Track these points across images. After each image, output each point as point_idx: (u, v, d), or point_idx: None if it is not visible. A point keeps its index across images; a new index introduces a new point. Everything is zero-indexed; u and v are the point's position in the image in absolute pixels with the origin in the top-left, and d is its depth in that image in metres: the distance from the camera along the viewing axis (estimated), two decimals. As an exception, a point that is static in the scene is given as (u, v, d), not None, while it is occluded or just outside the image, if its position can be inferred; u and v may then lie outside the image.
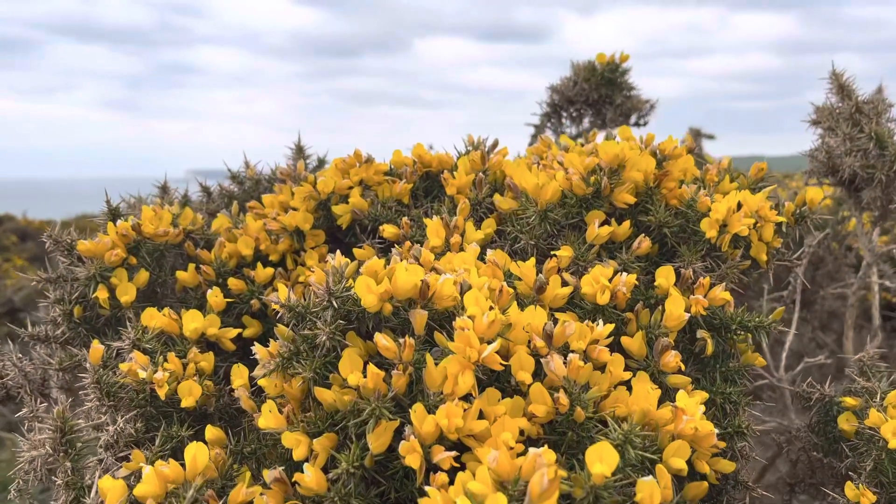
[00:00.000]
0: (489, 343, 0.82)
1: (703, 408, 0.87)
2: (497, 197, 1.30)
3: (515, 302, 1.00)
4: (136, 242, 1.28)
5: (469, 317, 0.85)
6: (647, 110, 2.33)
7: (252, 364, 1.00)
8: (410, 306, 0.91)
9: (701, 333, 1.09)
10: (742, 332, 1.11)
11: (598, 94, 2.16)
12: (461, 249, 1.13)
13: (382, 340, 0.84)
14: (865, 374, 1.23)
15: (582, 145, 1.57)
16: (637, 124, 2.39)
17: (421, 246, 1.19)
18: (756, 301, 2.06)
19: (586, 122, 2.30)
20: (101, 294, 1.19)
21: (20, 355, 1.28)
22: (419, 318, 0.89)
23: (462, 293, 0.94)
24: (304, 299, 0.95)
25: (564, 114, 2.29)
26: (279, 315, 0.96)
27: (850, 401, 1.15)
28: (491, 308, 0.88)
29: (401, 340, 0.84)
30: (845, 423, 1.15)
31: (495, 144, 1.65)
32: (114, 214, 1.36)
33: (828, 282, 2.27)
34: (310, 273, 1.29)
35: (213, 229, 1.45)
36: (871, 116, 1.68)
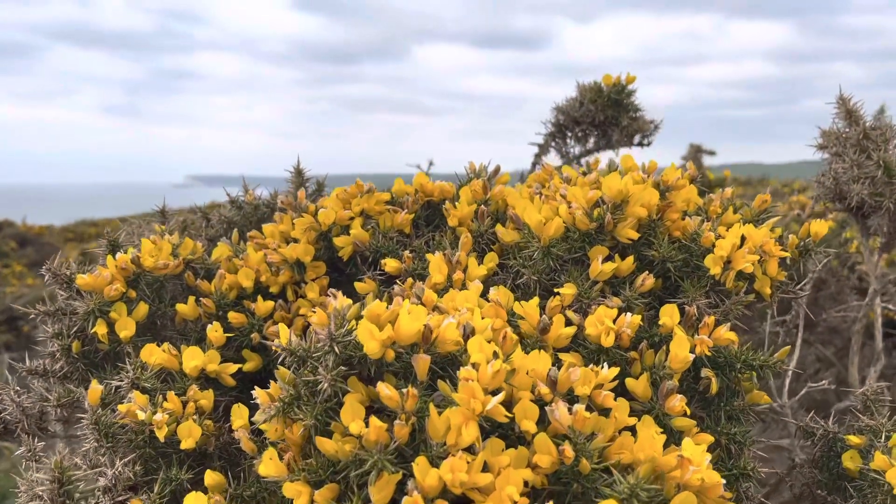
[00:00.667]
0: (493, 394, 0.81)
1: (709, 456, 0.86)
2: (499, 228, 1.29)
3: (519, 344, 1.00)
4: (135, 275, 1.27)
5: (473, 365, 0.84)
6: (652, 131, 2.33)
7: (252, 399, 0.99)
8: (413, 350, 0.91)
9: (705, 372, 1.08)
10: (747, 371, 1.10)
11: (605, 115, 2.15)
12: (464, 285, 1.12)
13: (385, 390, 0.83)
14: (869, 410, 1.22)
15: (584, 173, 1.56)
16: (641, 144, 2.39)
17: (423, 281, 1.19)
18: (759, 325, 2.06)
19: (591, 142, 2.30)
20: (100, 329, 1.18)
21: (18, 388, 1.27)
22: (422, 363, 0.88)
23: (465, 336, 0.93)
24: (305, 340, 0.94)
25: (569, 134, 2.29)
26: (280, 357, 0.95)
27: (854, 439, 1.14)
28: (495, 355, 0.87)
29: (403, 391, 0.83)
30: (849, 461, 1.14)
31: (497, 171, 1.64)
32: (113, 246, 1.35)
33: (830, 304, 2.26)
34: (311, 310, 1.29)
35: (213, 258, 1.44)
36: (879, 143, 1.68)
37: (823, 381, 1.84)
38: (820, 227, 1.30)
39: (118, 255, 1.26)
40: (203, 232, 1.72)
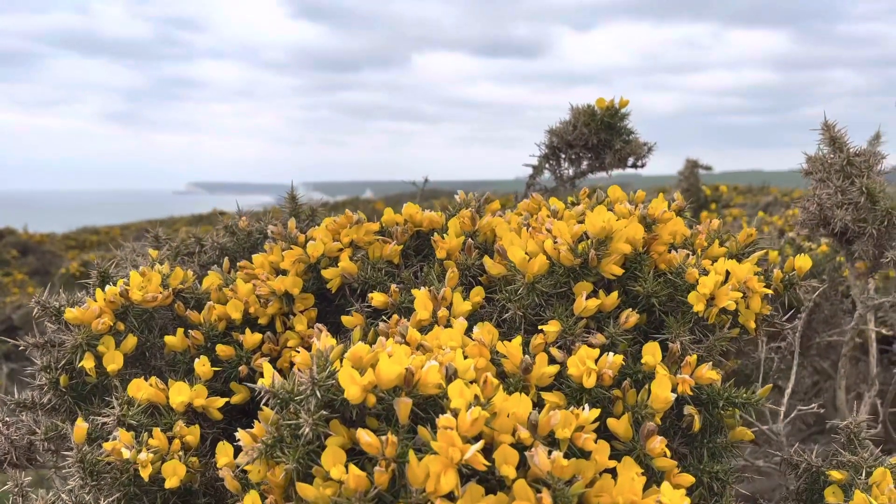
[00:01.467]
0: (473, 441, 0.82)
1: (687, 501, 0.86)
2: (487, 260, 1.30)
3: (501, 385, 1.01)
4: (124, 308, 1.28)
5: (453, 411, 0.85)
6: (645, 153, 2.34)
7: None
8: (395, 393, 0.91)
9: (688, 409, 1.09)
10: (729, 408, 1.11)
11: (598, 138, 2.17)
12: (449, 323, 1.12)
13: (365, 437, 0.83)
14: (853, 444, 1.23)
15: (573, 202, 1.57)
16: (635, 166, 2.40)
17: (409, 315, 1.20)
18: (754, 350, 2.06)
19: (585, 164, 2.31)
20: (88, 363, 1.19)
21: (7, 419, 1.28)
22: (403, 407, 0.88)
23: (448, 377, 0.94)
24: (289, 380, 0.95)
25: (563, 156, 2.30)
26: (265, 398, 0.95)
27: (836, 474, 1.15)
28: (476, 398, 0.88)
29: (384, 438, 0.83)
30: (832, 496, 1.14)
31: (487, 199, 1.65)
32: (103, 277, 1.36)
33: (823, 327, 2.27)
34: (299, 343, 1.29)
35: (203, 287, 1.45)
36: (862, 170, 1.69)
37: (814, 405, 1.84)
38: (804, 262, 1.31)
39: (107, 287, 1.27)
40: (196, 258, 1.73)
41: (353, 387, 0.87)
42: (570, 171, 2.37)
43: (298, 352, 1.00)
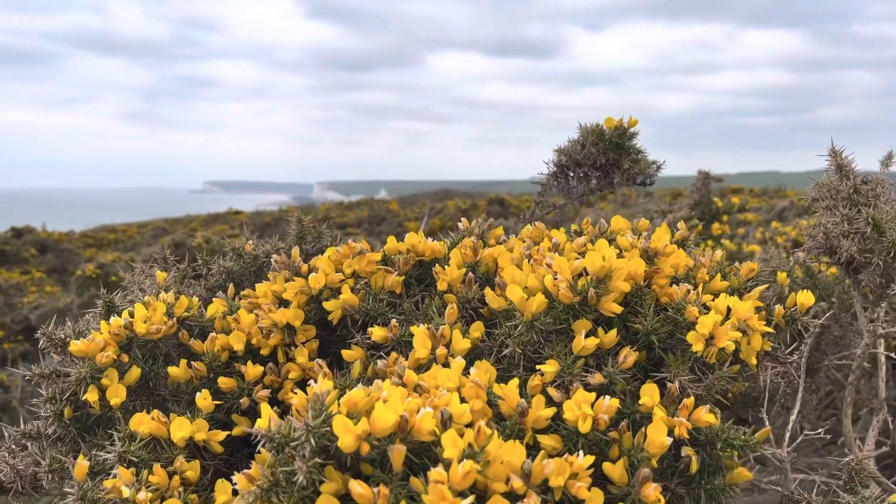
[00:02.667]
0: (465, 494, 0.82)
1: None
2: (488, 293, 1.31)
3: (497, 428, 1.01)
4: (128, 339, 1.29)
5: (445, 462, 0.85)
6: (654, 172, 2.33)
7: (241, 464, 1.01)
8: (390, 439, 0.92)
9: (686, 451, 1.09)
10: (727, 449, 1.10)
11: (606, 158, 2.16)
12: (447, 361, 1.13)
13: (357, 488, 0.84)
14: (852, 482, 1.22)
15: (577, 231, 1.57)
16: (644, 184, 2.39)
17: (409, 351, 1.20)
18: (760, 374, 2.05)
19: (593, 182, 2.30)
20: (92, 396, 1.21)
21: (14, 447, 1.30)
22: (397, 454, 0.89)
23: (443, 422, 0.94)
24: (285, 424, 0.96)
25: (571, 174, 2.30)
26: (261, 440, 0.96)
27: (838, 517, 1.14)
28: (469, 447, 0.88)
29: (375, 490, 0.84)
30: (834, 538, 1.14)
31: (490, 226, 1.66)
32: (108, 307, 1.37)
33: (833, 349, 2.25)
34: (297, 380, 1.30)
35: (208, 315, 1.46)
36: (869, 199, 1.68)
37: (820, 430, 1.83)
38: (806, 299, 1.30)
39: (112, 319, 1.29)
40: (203, 281, 1.75)
41: (347, 435, 0.88)
42: (580, 189, 2.37)
43: (296, 393, 1.01)
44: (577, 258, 1.36)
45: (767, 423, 1.88)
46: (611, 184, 2.31)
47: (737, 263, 2.40)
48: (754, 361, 1.24)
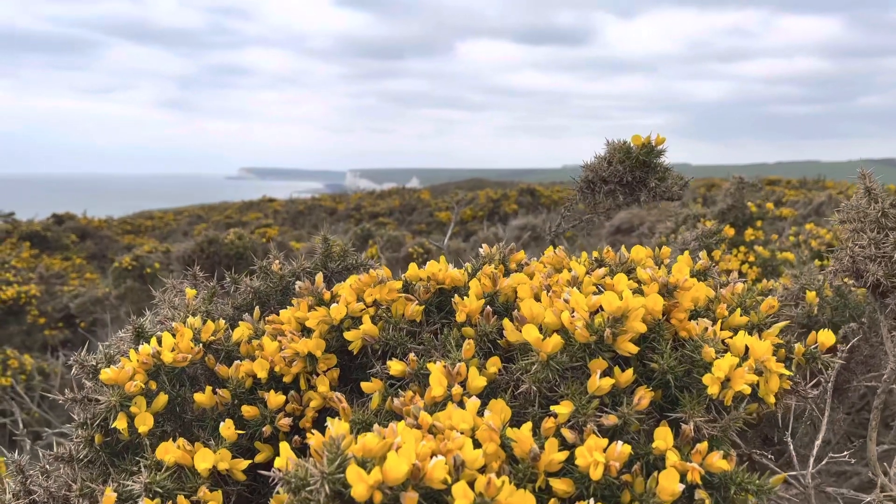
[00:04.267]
0: (471, 548, 0.84)
1: None
2: (507, 324, 1.32)
3: (510, 471, 1.03)
4: (156, 367, 1.33)
5: (455, 514, 0.87)
6: (680, 188, 2.31)
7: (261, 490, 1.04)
8: (403, 486, 0.94)
9: (699, 494, 1.09)
10: (742, 493, 1.11)
11: (633, 175, 2.15)
12: (462, 400, 1.15)
13: (369, 538, 0.86)
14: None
15: (598, 260, 1.57)
16: (671, 198, 2.38)
17: (426, 384, 1.22)
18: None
19: (620, 198, 2.30)
20: (121, 424, 1.25)
21: (48, 467, 1.35)
22: (408, 502, 0.91)
23: (456, 467, 0.96)
24: (301, 467, 0.99)
25: (598, 190, 2.29)
26: (279, 481, 0.99)
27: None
28: (480, 496, 0.90)
29: (386, 542, 0.86)
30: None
31: (512, 250, 1.67)
32: (138, 333, 1.42)
33: (862, 369, 2.21)
34: (323, 400, 1.33)
35: (234, 338, 1.50)
36: (897, 224, 1.65)
37: (845, 453, 1.82)
38: (827, 338, 1.29)
39: (141, 347, 1.33)
40: (231, 300, 1.79)
41: (360, 484, 0.90)
42: (606, 204, 2.36)
43: (313, 433, 1.03)
44: (595, 292, 1.37)
45: (792, 446, 1.87)
46: (637, 200, 2.30)
47: (764, 282, 2.36)
48: (772, 401, 1.24)
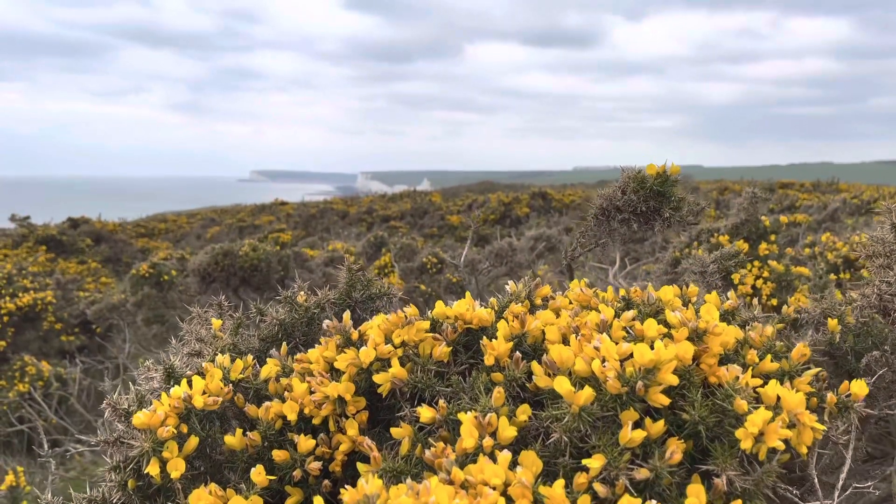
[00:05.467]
0: None
1: None
2: (535, 368, 1.32)
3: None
4: (187, 410, 1.35)
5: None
6: (697, 213, 2.31)
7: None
8: (438, 546, 0.95)
9: (732, 549, 1.09)
10: (775, 548, 1.10)
11: (647, 206, 2.15)
12: (494, 452, 1.15)
13: None
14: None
15: (625, 299, 1.57)
16: (688, 223, 2.37)
17: (456, 430, 1.23)
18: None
19: (634, 227, 2.29)
20: (153, 470, 1.26)
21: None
22: (446, 565, 0.92)
23: (490, 527, 0.97)
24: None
25: (613, 218, 2.29)
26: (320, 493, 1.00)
27: None
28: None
29: None
30: None
31: (537, 285, 1.67)
32: (168, 374, 1.43)
33: (884, 395, 2.20)
34: (352, 445, 1.34)
35: (262, 376, 1.51)
36: (926, 262, 1.64)
37: (869, 484, 1.81)
38: (860, 389, 1.28)
39: (172, 391, 1.34)
40: (257, 332, 1.80)
41: (397, 549, 0.91)
42: (621, 232, 2.36)
43: (346, 489, 1.04)
44: (624, 336, 1.37)
45: (815, 478, 1.86)
46: (652, 229, 2.30)
47: (785, 308, 2.35)
48: (805, 451, 1.23)
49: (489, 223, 17.67)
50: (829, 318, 2.12)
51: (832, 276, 4.03)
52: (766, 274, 3.73)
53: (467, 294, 1.60)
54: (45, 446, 3.84)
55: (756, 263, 3.84)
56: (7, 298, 8.82)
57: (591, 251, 2.51)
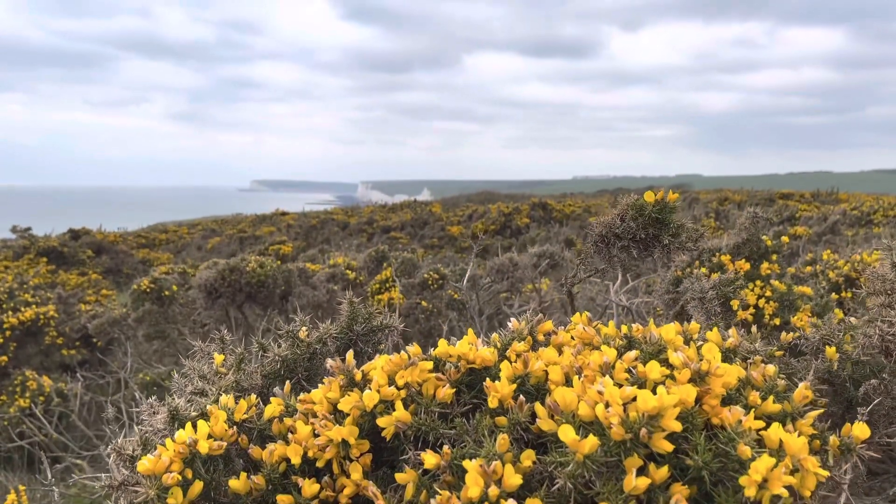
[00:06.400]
0: None
1: None
2: (539, 410, 1.32)
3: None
4: (192, 454, 1.35)
5: None
6: (697, 238, 2.32)
7: None
8: None
9: None
10: None
11: (646, 233, 2.16)
12: (500, 501, 1.15)
13: None
14: None
15: (627, 337, 1.58)
16: (687, 249, 2.38)
17: (461, 476, 1.23)
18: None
19: (634, 252, 2.30)
20: (159, 517, 1.27)
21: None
22: None
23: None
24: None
25: (612, 245, 2.30)
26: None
27: None
28: None
29: None
30: None
31: (539, 320, 1.68)
32: (173, 416, 1.43)
33: (884, 422, 2.20)
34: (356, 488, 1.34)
35: (266, 416, 1.52)
36: (926, 299, 1.64)
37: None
38: (861, 432, 1.28)
39: (177, 435, 1.35)
40: (259, 368, 1.80)
41: None
42: (620, 258, 2.37)
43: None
44: (627, 378, 1.37)
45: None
46: (651, 256, 2.31)
47: (784, 334, 2.35)
48: (808, 495, 1.23)
49: (489, 234, 17.68)
50: (828, 346, 2.12)
51: (834, 296, 4.03)
52: (768, 293, 3.74)
53: (469, 332, 1.61)
54: (49, 473, 3.83)
55: (758, 283, 3.84)
56: (9, 313, 8.83)
57: (591, 276, 2.52)
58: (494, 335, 1.67)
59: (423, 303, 5.77)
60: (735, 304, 2.84)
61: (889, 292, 1.67)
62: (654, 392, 1.22)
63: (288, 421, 1.49)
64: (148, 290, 8.01)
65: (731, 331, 1.53)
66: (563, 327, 1.73)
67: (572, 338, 1.63)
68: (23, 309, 9.09)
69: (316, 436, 1.40)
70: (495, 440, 1.28)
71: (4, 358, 8.21)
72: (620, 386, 1.30)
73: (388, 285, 6.86)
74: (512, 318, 1.64)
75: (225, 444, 1.37)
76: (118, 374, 8.21)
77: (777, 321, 3.53)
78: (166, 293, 7.85)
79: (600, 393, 1.28)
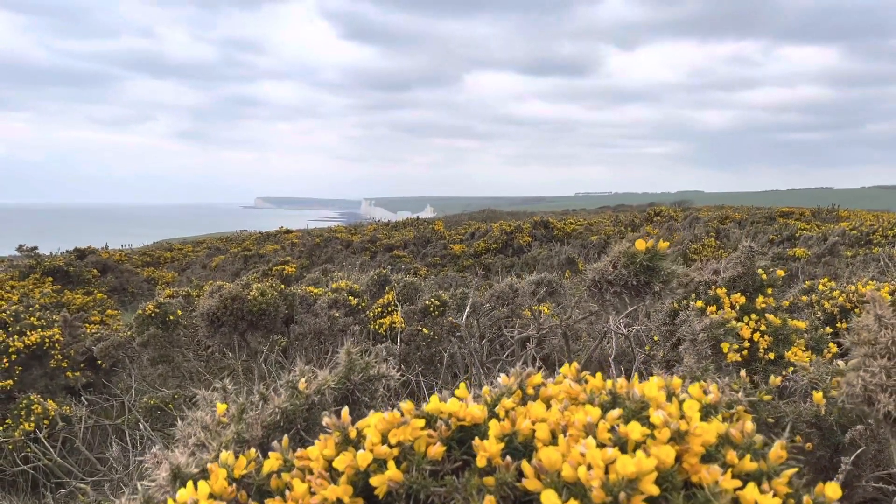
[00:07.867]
0: None
1: None
2: (526, 469, 1.38)
3: None
4: (193, 513, 1.41)
5: None
6: (687, 284, 2.38)
7: None
8: None
9: None
10: None
11: (637, 280, 2.22)
12: (484, 563, 1.21)
13: None
14: None
15: (612, 393, 1.63)
16: (677, 296, 2.44)
17: (449, 537, 1.29)
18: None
19: (626, 297, 2.36)
20: (161, 576, 1.32)
21: None
22: None
23: None
24: None
25: (605, 290, 2.36)
26: None
27: None
28: None
29: None
30: None
31: (528, 374, 1.74)
32: (175, 475, 1.50)
33: (871, 465, 2.25)
34: (348, 547, 1.40)
35: (264, 471, 1.57)
36: (907, 353, 1.70)
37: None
38: (833, 492, 1.34)
39: (179, 494, 1.41)
40: (259, 419, 1.86)
41: None
42: (613, 302, 2.43)
43: None
44: (610, 437, 1.43)
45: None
46: (643, 301, 2.37)
47: (772, 378, 2.39)
48: (782, 552, 1.29)
49: (491, 252, 17.76)
50: (815, 392, 2.18)
51: (828, 330, 4.08)
52: (763, 327, 3.79)
53: (461, 385, 1.67)
54: (52, 502, 3.88)
55: (753, 316, 3.90)
56: (15, 337, 8.90)
57: (585, 319, 2.58)
58: (485, 389, 1.73)
59: (425, 329, 5.83)
60: (725, 347, 2.90)
61: (872, 343, 1.72)
62: (634, 453, 1.28)
63: (286, 476, 1.55)
64: (153, 314, 8.08)
65: (713, 386, 1.59)
66: (551, 379, 1.79)
67: (558, 392, 1.69)
68: (28, 332, 9.16)
69: (312, 493, 1.46)
70: (483, 499, 1.34)
71: (10, 381, 8.27)
72: (603, 446, 1.36)
73: (389, 309, 6.93)
74: (501, 375, 1.70)
75: (224, 503, 1.43)
76: (122, 397, 8.27)
77: (772, 355, 3.58)
78: (171, 318, 7.93)
79: (583, 455, 1.33)
